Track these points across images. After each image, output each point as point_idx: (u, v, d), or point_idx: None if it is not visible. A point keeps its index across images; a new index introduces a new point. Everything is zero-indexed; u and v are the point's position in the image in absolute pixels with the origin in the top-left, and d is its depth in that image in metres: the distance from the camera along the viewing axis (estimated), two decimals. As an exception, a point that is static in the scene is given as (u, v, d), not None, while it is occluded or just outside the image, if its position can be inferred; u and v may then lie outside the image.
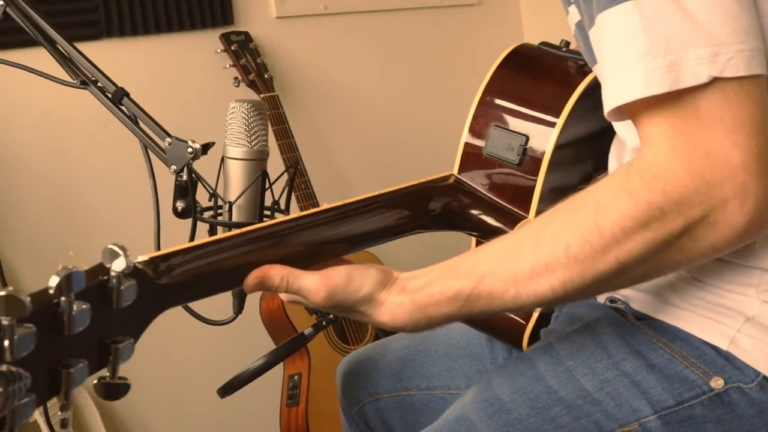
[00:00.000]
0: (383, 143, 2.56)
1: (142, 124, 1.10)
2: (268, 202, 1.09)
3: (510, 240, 0.84)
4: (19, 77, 1.33)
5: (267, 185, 1.08)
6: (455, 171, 1.11)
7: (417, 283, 0.85)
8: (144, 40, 2.09)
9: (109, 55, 1.91)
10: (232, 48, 2.15)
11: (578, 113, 1.06)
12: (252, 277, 0.82)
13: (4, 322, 0.56)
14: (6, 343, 0.56)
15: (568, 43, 1.14)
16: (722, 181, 0.72)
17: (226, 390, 1.12)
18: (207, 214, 1.09)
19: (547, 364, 0.97)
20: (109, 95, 1.10)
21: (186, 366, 2.17)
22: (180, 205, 1.09)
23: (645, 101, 0.74)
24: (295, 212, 0.98)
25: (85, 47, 1.12)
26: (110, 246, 0.66)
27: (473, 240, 1.13)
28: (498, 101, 1.11)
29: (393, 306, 0.84)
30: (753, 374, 0.87)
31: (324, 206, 0.92)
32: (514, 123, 1.09)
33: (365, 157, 2.51)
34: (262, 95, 2.10)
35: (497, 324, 1.11)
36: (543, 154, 1.06)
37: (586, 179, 1.09)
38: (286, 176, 1.14)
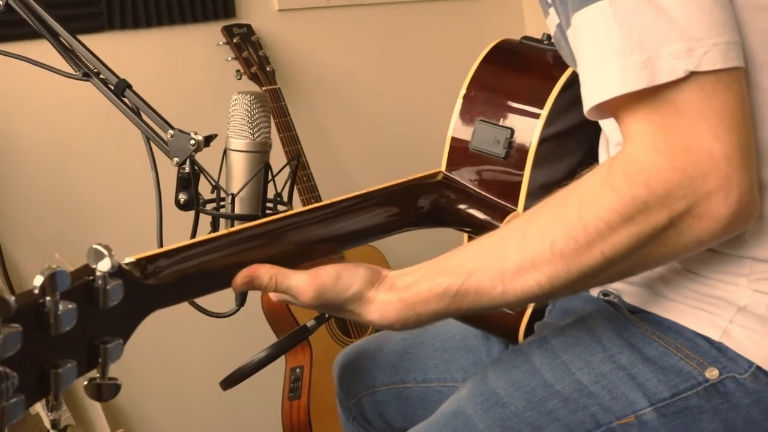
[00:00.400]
0: (385, 136, 2.55)
1: (144, 116, 1.09)
2: (270, 194, 1.09)
3: (496, 236, 0.84)
4: (21, 70, 1.33)
5: (270, 177, 1.08)
6: (443, 168, 1.11)
7: (405, 281, 0.85)
8: (146, 32, 2.09)
9: (112, 48, 1.91)
10: (234, 41, 2.15)
11: (562, 105, 1.06)
12: (240, 277, 0.83)
13: (-11, 322, 0.56)
14: (-9, 342, 0.56)
15: (549, 36, 1.14)
16: (705, 174, 0.72)
17: (228, 382, 1.12)
18: (209, 206, 1.09)
19: (542, 358, 0.97)
20: (112, 87, 1.10)
21: (188, 358, 2.17)
22: (182, 197, 1.09)
23: (624, 98, 0.75)
24: (297, 205, 0.98)
25: (87, 40, 1.12)
26: (95, 246, 0.66)
27: (465, 236, 1.13)
28: (482, 96, 1.11)
29: (382, 304, 0.85)
30: (746, 365, 0.87)
31: (313, 205, 0.92)
32: (498, 117, 1.09)
33: (367, 149, 2.51)
34: (264, 88, 2.10)
35: (492, 320, 1.11)
36: (529, 146, 1.06)
37: (571, 174, 1.09)
38: (288, 169, 1.14)
